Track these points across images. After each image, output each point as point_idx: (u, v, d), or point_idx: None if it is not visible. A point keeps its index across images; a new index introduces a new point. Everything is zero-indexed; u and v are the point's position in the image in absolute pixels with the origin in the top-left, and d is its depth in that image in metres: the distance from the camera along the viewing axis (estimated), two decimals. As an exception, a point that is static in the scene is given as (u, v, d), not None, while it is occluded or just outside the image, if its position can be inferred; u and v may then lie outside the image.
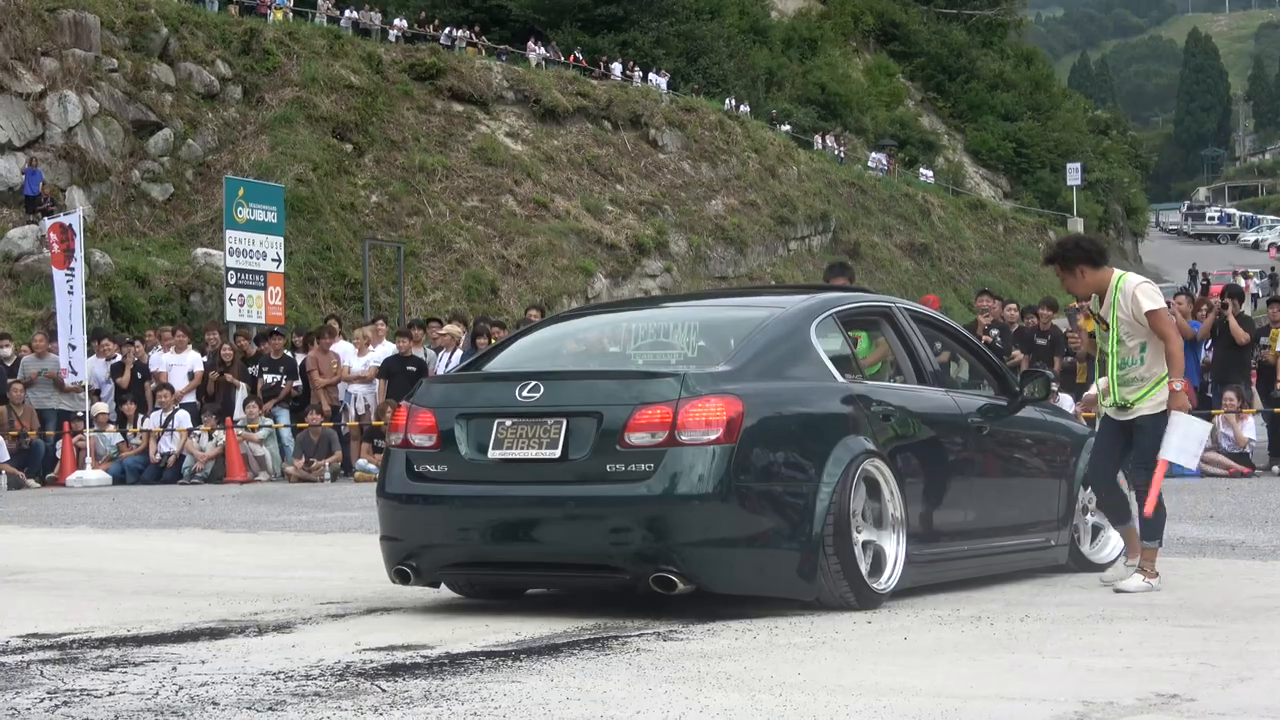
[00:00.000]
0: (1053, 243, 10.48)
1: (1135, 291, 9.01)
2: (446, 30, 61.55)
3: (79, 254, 24.63)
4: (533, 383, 8.05)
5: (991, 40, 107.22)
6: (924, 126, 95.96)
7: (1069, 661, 6.30)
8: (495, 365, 8.94)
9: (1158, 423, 8.95)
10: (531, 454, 7.90)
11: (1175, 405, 8.86)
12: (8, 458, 23.62)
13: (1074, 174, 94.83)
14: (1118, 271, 9.19)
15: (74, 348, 24.17)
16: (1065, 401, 17.79)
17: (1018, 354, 20.46)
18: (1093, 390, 9.46)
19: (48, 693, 5.80)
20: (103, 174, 40.25)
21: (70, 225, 24.85)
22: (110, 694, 5.76)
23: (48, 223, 27.41)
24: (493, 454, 8.02)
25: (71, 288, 24.31)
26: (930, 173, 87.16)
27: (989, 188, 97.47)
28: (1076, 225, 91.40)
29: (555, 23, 67.19)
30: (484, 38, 62.96)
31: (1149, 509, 8.89)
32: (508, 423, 8.01)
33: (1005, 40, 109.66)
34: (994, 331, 20.81)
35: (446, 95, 53.88)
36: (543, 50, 63.66)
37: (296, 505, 17.78)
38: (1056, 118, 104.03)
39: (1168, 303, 10.68)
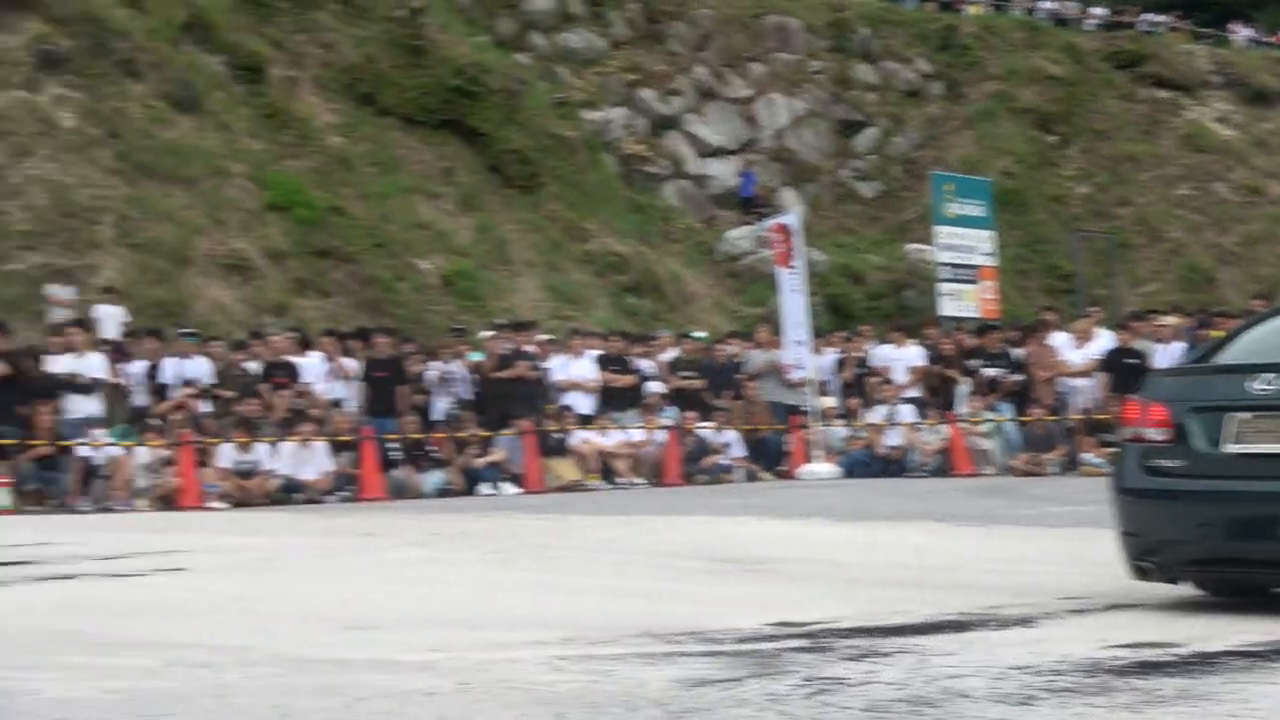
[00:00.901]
0: None
1: None
2: (1144, 16, 60.06)
3: (799, 252, 25.43)
4: (1269, 375, 7.83)
5: None
6: None
7: None
8: (1225, 357, 8.70)
9: None
10: (1274, 449, 7.69)
11: None
12: (745, 453, 24.33)
13: None
14: None
15: (800, 343, 24.87)
16: None
17: None
18: None
19: (804, 680, 5.98)
20: (812, 174, 41.56)
21: (789, 225, 25.71)
22: (862, 683, 5.89)
23: (768, 223, 28.38)
24: (1228, 448, 7.85)
25: (795, 285, 25.10)
26: None
27: None
28: None
29: (1258, 3, 64.36)
30: (1186, 21, 61.08)
31: None
32: (1244, 416, 7.82)
33: None
34: None
35: (1149, 82, 52.50)
36: (1248, 31, 61.15)
37: (1024, 499, 17.64)
38: None
39: None
